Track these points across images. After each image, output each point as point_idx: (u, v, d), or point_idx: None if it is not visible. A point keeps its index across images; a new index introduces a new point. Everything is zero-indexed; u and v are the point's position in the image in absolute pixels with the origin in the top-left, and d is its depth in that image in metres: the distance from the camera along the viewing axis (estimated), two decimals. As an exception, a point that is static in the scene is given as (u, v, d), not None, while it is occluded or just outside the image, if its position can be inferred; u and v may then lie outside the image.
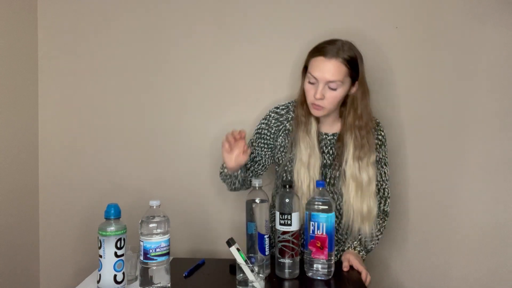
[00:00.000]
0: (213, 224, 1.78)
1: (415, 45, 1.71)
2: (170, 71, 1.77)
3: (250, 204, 1.27)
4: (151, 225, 1.15)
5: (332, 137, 1.46)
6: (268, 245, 1.28)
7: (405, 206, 1.74)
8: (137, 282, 1.21)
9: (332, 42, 1.35)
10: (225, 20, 1.75)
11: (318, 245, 1.25)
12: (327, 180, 1.44)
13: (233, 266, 1.25)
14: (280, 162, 1.48)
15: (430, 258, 1.76)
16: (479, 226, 1.72)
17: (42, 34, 1.78)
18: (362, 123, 1.39)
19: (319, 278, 1.26)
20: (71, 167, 1.80)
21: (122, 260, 1.14)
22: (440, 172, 1.74)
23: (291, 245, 1.25)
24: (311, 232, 1.26)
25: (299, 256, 1.28)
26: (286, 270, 1.26)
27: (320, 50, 1.34)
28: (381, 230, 1.47)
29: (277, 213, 1.26)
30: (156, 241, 1.15)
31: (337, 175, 1.42)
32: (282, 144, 1.47)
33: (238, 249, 1.14)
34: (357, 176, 1.38)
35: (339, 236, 1.48)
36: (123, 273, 1.15)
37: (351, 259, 1.36)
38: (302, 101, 1.42)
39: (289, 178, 1.43)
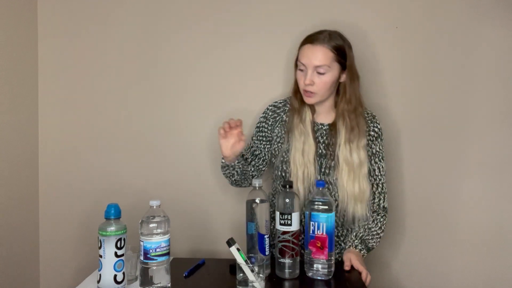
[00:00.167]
0: (213, 224, 1.79)
1: (415, 45, 1.71)
2: (171, 72, 1.77)
3: (250, 204, 1.27)
4: (151, 225, 1.15)
5: (327, 127, 1.48)
6: (268, 245, 1.28)
7: (405, 206, 1.74)
8: (137, 282, 1.21)
9: (319, 31, 1.42)
10: (223, 17, 1.75)
11: (318, 245, 1.25)
12: (322, 169, 1.45)
13: (233, 266, 1.25)
14: (277, 153, 1.49)
15: (429, 257, 1.76)
16: (479, 224, 1.73)
17: (42, 33, 1.78)
18: (351, 107, 1.43)
19: (319, 278, 1.26)
20: (71, 167, 1.80)
21: (122, 260, 1.14)
22: (440, 172, 1.73)
23: (291, 245, 1.25)
24: (311, 232, 1.26)
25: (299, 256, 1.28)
26: (286, 270, 1.26)
27: (307, 38, 1.42)
28: (382, 228, 1.47)
29: (277, 213, 1.26)
30: (156, 241, 1.14)
31: (332, 164, 1.44)
32: (279, 135, 1.50)
33: (238, 249, 1.14)
34: (349, 159, 1.41)
35: (338, 229, 1.48)
36: (123, 273, 1.15)
37: (352, 259, 1.36)
38: (295, 90, 1.48)
39: (285, 167, 1.45)
